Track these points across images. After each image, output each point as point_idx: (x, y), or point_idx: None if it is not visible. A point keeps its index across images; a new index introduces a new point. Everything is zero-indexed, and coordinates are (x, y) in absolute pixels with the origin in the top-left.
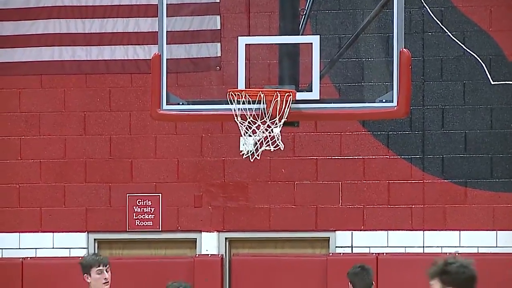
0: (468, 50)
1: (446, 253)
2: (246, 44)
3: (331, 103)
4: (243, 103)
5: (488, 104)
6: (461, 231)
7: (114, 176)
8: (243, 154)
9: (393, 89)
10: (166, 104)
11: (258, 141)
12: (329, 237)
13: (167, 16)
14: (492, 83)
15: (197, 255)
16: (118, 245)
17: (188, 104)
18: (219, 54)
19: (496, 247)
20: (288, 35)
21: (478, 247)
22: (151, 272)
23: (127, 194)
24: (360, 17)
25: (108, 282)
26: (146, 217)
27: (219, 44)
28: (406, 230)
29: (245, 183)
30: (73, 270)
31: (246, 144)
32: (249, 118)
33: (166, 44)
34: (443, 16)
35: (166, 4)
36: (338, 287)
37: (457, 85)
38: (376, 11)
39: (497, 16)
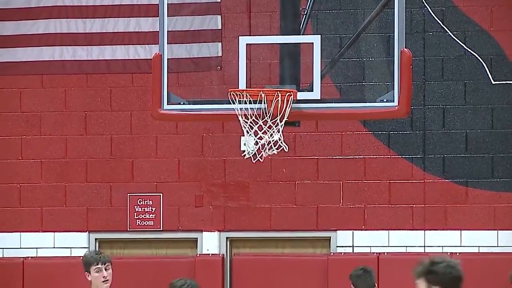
0: (469, 50)
1: (448, 252)
2: (247, 44)
3: (332, 102)
4: (244, 103)
5: (489, 103)
6: (462, 231)
7: (115, 176)
8: (244, 155)
9: (394, 89)
10: (167, 104)
11: (262, 145)
12: (330, 237)
13: (168, 16)
14: (493, 83)
15: (198, 255)
16: (119, 244)
17: (189, 104)
18: (220, 54)
19: (497, 246)
20: (289, 34)
21: (479, 246)
22: (152, 271)
23: (128, 194)
24: (361, 17)
25: (107, 280)
26: (147, 216)
27: (220, 44)
28: (407, 229)
29: (246, 182)
30: (74, 269)
31: (248, 144)
32: (251, 117)
33: (167, 43)
34: (444, 16)
35: (167, 4)
36: (339, 287)
37: (458, 84)
38: (377, 11)
39: (498, 16)
